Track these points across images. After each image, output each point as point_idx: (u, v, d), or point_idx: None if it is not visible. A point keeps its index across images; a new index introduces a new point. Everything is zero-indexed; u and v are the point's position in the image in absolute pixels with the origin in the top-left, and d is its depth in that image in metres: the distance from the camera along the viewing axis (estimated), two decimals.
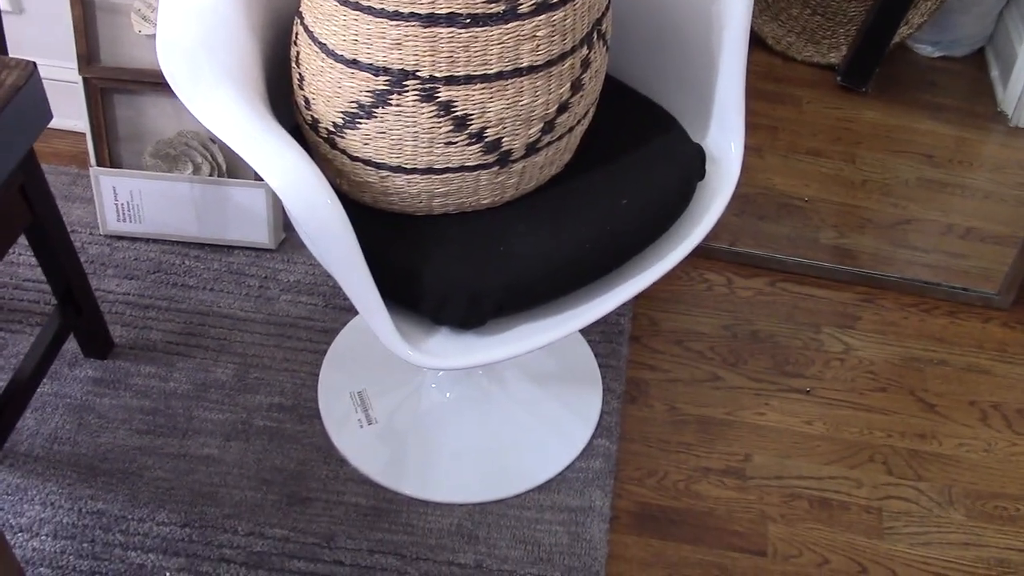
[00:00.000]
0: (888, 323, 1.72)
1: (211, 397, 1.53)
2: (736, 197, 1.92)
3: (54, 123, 1.93)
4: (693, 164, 1.23)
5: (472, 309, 1.08)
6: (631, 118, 1.27)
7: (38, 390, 1.52)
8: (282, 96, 1.17)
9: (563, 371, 1.58)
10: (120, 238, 1.75)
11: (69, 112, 1.79)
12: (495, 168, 1.08)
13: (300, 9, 1.10)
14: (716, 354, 1.66)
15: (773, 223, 1.89)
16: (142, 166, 1.70)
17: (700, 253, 1.79)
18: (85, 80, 1.63)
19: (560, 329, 1.12)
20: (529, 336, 1.11)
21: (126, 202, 1.71)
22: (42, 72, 1.81)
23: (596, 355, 1.61)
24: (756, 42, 2.38)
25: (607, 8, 1.11)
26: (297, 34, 1.10)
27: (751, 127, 2.15)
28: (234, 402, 1.52)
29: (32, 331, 1.60)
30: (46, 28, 1.80)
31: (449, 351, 1.09)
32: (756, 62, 2.36)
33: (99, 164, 1.69)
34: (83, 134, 1.70)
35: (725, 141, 1.28)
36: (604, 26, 1.11)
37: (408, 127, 1.03)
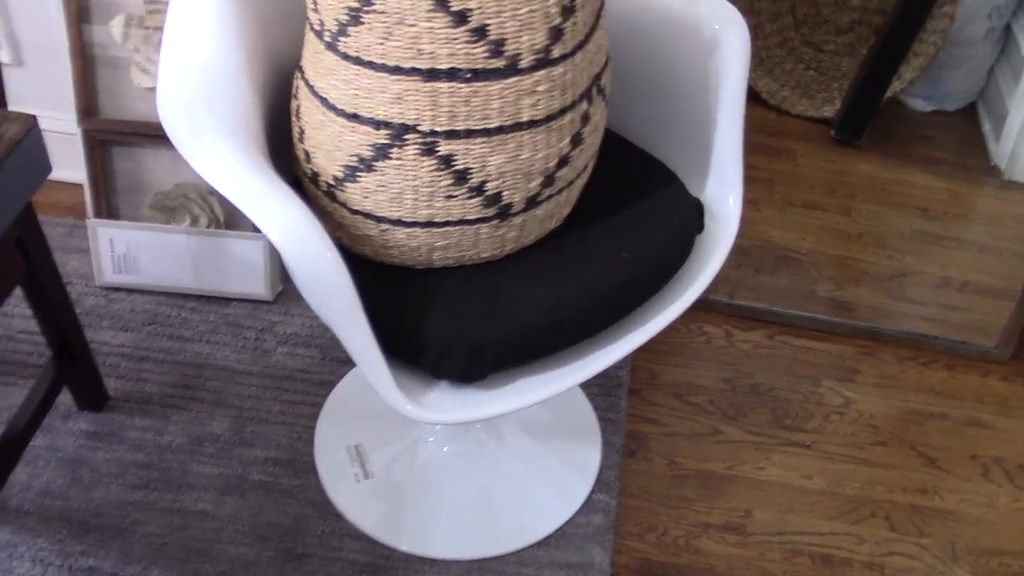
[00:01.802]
0: (887, 376, 1.71)
1: (206, 451, 1.51)
2: (734, 249, 1.92)
3: (52, 174, 1.94)
4: (692, 218, 1.23)
5: (472, 363, 1.07)
6: (630, 172, 1.27)
7: (31, 443, 1.50)
8: (283, 149, 1.17)
9: (562, 425, 1.57)
10: (116, 289, 1.74)
11: (67, 163, 1.79)
12: (495, 221, 1.08)
13: (301, 63, 1.10)
14: (716, 407, 1.65)
15: (770, 276, 1.89)
16: (140, 217, 1.70)
17: (699, 306, 1.78)
18: (85, 132, 1.63)
19: (561, 383, 1.11)
20: (529, 390, 1.10)
21: (123, 254, 1.70)
22: (41, 124, 1.82)
23: (595, 408, 1.60)
24: (751, 96, 2.39)
25: (606, 64, 1.12)
26: (298, 88, 1.10)
27: (747, 180, 2.16)
28: (229, 456, 1.51)
29: (26, 383, 1.58)
30: (46, 80, 1.81)
31: (449, 405, 1.08)
32: (751, 116, 2.36)
33: (97, 216, 1.69)
34: (80, 185, 1.70)
35: (723, 195, 1.28)
36: (603, 81, 1.11)
37: (408, 181, 1.03)
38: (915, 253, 1.99)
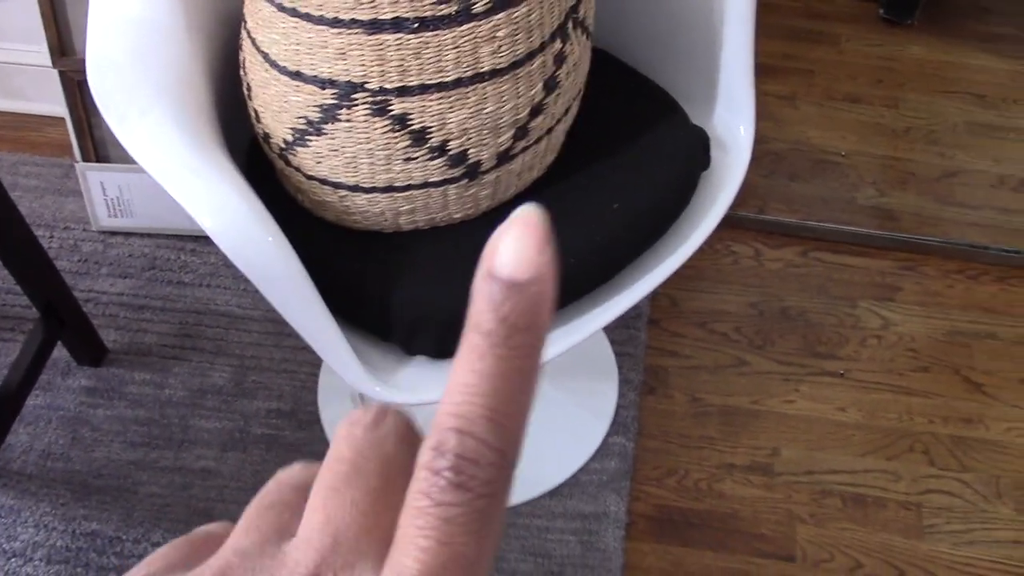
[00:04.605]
0: (931, 293, 1.58)
1: (207, 404, 1.47)
2: (767, 155, 1.78)
3: (45, 110, 1.87)
4: (695, 153, 1.10)
5: (447, 335, 0.98)
6: (624, 101, 1.14)
7: (33, 402, 1.47)
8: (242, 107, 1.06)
9: (576, 362, 1.49)
10: (114, 234, 1.68)
11: (57, 98, 1.71)
12: (464, 181, 0.97)
13: (243, 10, 0.99)
14: (742, 336, 1.54)
15: (806, 183, 1.75)
16: (131, 157, 1.62)
17: (725, 223, 1.66)
18: (61, 73, 1.54)
19: (546, 351, 1.02)
20: None
21: (115, 197, 1.63)
22: (23, 59, 1.73)
23: (612, 342, 1.51)
24: None
25: None
26: (242, 38, 0.99)
27: (784, 72, 1.99)
28: (231, 409, 1.46)
29: (23, 340, 1.54)
30: (25, 12, 1.71)
31: (424, 383, 1.00)
32: None
33: (84, 159, 1.61)
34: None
35: (733, 122, 1.15)
36: (582, 12, 0.98)
37: (361, 144, 0.93)
38: (968, 148, 1.82)
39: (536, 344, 0.24)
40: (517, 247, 0.24)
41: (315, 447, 1.41)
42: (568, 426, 1.43)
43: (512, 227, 0.24)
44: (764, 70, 1.95)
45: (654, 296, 1.59)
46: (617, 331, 1.53)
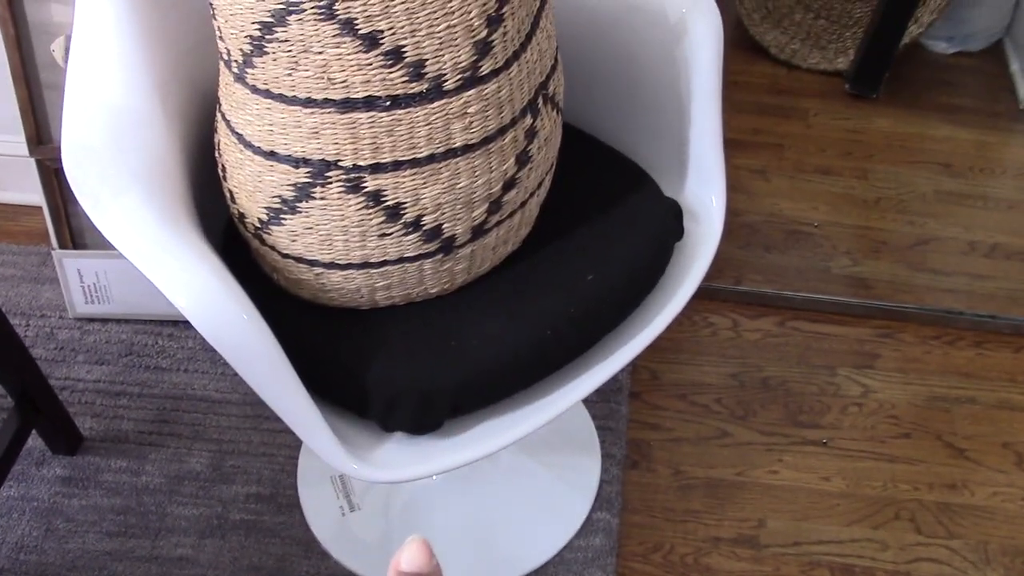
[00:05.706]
0: (909, 360, 1.59)
1: (185, 491, 1.44)
2: (741, 227, 1.81)
3: (21, 199, 1.87)
4: (667, 224, 1.11)
5: (425, 411, 0.98)
6: (597, 176, 1.16)
7: (5, 493, 1.44)
8: (217, 188, 1.07)
9: (558, 438, 1.47)
10: (91, 320, 1.67)
11: (33, 187, 1.71)
12: (439, 256, 0.97)
13: (218, 94, 1.00)
14: (723, 407, 1.54)
15: (781, 254, 1.77)
16: (108, 243, 1.62)
17: (703, 294, 1.67)
18: (38, 162, 1.55)
19: (526, 424, 1.01)
20: (493, 435, 1.01)
21: (92, 283, 1.63)
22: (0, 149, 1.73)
23: (593, 417, 1.51)
24: (759, 52, 2.26)
25: (554, 68, 1.00)
26: (217, 121, 1.01)
27: (755, 146, 2.03)
28: (209, 495, 1.44)
29: None
30: (3, 102, 1.73)
31: (402, 460, 0.99)
32: (759, 73, 2.24)
33: (61, 246, 1.61)
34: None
35: (704, 194, 1.17)
36: (551, 88, 1.00)
37: (336, 221, 0.93)
38: (938, 216, 1.85)
39: None
40: (415, 555, 0.31)
41: (295, 531, 1.39)
42: (551, 503, 1.41)
43: (410, 544, 0.31)
44: (735, 145, 1.99)
45: (634, 369, 1.59)
46: (598, 405, 1.52)
